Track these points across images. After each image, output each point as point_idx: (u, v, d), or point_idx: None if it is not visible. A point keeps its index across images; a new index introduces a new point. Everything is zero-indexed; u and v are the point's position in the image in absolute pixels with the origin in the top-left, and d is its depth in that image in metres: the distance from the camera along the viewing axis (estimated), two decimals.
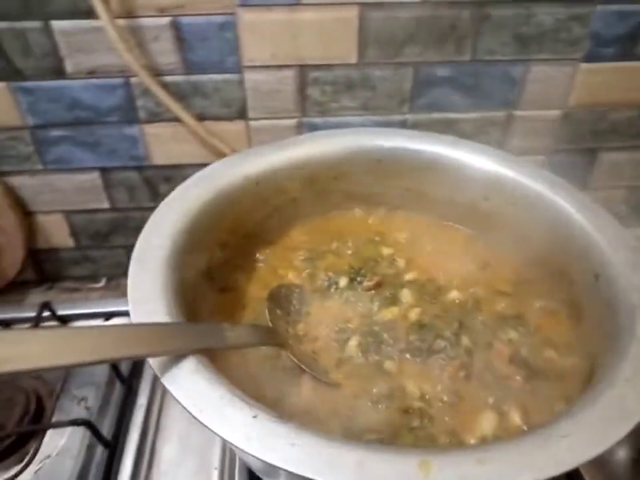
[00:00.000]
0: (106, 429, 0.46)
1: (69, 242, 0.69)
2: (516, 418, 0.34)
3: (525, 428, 0.33)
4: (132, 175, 0.65)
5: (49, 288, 0.72)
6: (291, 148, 0.47)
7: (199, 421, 0.26)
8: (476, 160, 0.46)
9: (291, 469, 0.24)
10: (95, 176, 0.64)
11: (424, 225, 0.49)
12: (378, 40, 0.57)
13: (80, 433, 0.44)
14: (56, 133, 0.60)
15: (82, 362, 0.25)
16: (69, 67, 0.56)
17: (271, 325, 0.38)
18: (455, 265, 0.45)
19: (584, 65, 0.59)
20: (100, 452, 0.45)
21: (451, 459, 0.25)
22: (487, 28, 0.57)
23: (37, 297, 0.70)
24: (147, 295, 0.32)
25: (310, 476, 0.24)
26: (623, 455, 0.62)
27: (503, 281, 0.43)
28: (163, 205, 0.39)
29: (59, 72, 0.56)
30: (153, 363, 0.28)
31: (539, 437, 0.26)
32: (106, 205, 0.67)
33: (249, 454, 0.25)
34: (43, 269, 0.72)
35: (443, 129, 0.63)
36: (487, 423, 0.34)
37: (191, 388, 0.27)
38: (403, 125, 0.63)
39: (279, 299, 0.41)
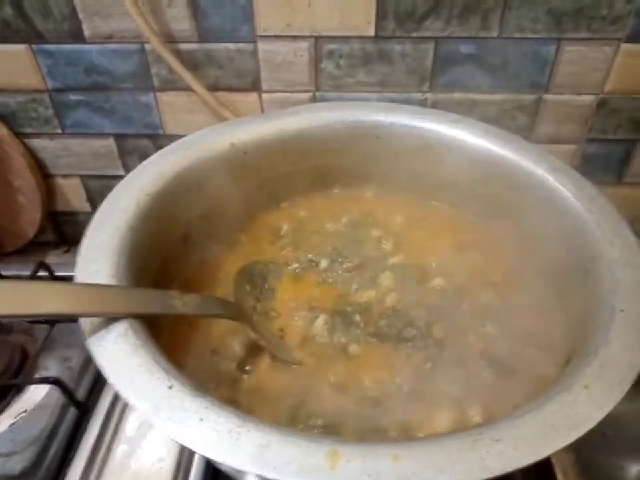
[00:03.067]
0: (82, 390, 0.47)
1: (86, 207, 0.71)
2: (477, 418, 0.31)
3: None
4: (146, 143, 0.65)
5: (66, 250, 0.74)
6: (285, 118, 0.45)
7: (113, 387, 0.25)
8: (478, 141, 0.42)
9: (190, 446, 0.23)
10: (110, 142, 0.65)
11: (420, 207, 0.46)
12: (397, 11, 0.54)
13: (57, 391, 0.45)
14: (74, 97, 0.61)
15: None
16: (87, 30, 0.57)
17: (234, 298, 0.37)
18: (444, 251, 0.42)
19: (625, 46, 0.54)
20: (72, 412, 0.45)
21: (364, 451, 0.22)
22: (516, 1, 0.52)
23: (55, 258, 0.72)
24: (97, 255, 0.32)
25: (208, 455, 0.22)
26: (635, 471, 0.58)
27: (492, 270, 0.40)
28: (138, 168, 0.39)
29: (77, 35, 0.57)
30: (82, 323, 0.28)
31: (467, 437, 0.23)
32: (121, 172, 0.68)
33: (156, 426, 0.24)
34: (62, 232, 0.74)
35: (464, 110, 0.59)
36: (443, 420, 0.31)
37: (113, 352, 0.27)
38: (423, 104, 0.59)
39: (252, 274, 0.40)
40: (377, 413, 0.32)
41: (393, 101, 0.59)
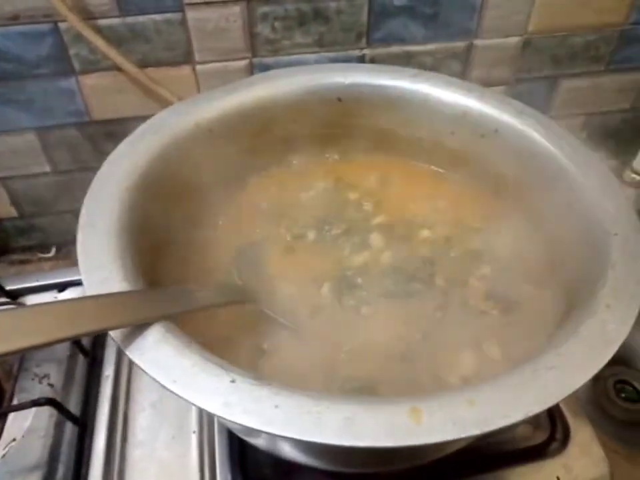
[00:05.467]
0: (73, 405, 0.44)
1: (12, 211, 0.65)
2: (496, 354, 0.34)
3: (506, 363, 0.33)
4: (72, 132, 0.59)
5: None
6: (243, 90, 0.43)
7: (172, 392, 0.24)
8: (440, 92, 0.44)
9: (276, 432, 0.23)
10: (31, 137, 0.59)
11: (390, 165, 0.46)
12: None
13: (46, 411, 0.42)
14: None
15: (36, 344, 0.22)
16: None
17: (241, 283, 0.36)
18: (423, 205, 0.43)
19: None
20: (70, 429, 0.43)
21: (440, 403, 0.24)
22: None
23: None
24: (99, 261, 0.29)
25: (297, 437, 0.23)
26: None
27: (473, 216, 0.42)
28: (108, 162, 0.36)
29: None
30: (114, 335, 0.26)
31: (525, 371, 0.25)
32: (47, 168, 0.62)
33: (231, 421, 0.23)
34: None
35: (402, 63, 0.60)
36: (466, 360, 0.33)
37: (159, 358, 0.25)
38: (361, 60, 0.60)
39: (247, 256, 0.39)
40: (405, 366, 0.34)
41: (331, 60, 0.59)
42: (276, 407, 0.23)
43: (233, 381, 0.24)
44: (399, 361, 0.34)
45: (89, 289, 0.28)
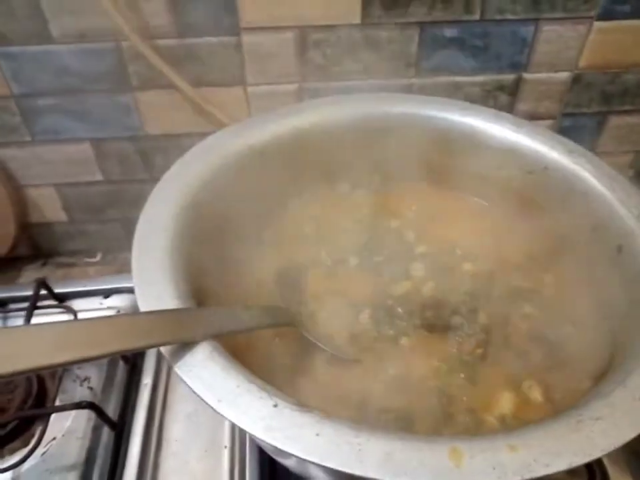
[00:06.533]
0: (111, 410, 0.45)
1: (62, 216, 0.67)
2: (537, 395, 0.33)
3: (547, 406, 0.33)
4: (125, 145, 0.62)
5: (43, 264, 0.70)
6: (295, 116, 0.44)
7: (216, 411, 0.25)
8: (490, 127, 0.44)
9: (316, 461, 0.23)
10: (86, 147, 0.62)
11: (433, 196, 0.47)
12: None
13: (85, 414, 0.43)
14: (43, 102, 0.57)
15: (89, 356, 0.23)
16: (54, 30, 0.53)
17: (283, 305, 0.37)
18: (466, 237, 0.43)
19: (597, 24, 0.57)
20: (107, 433, 0.44)
21: (481, 446, 0.24)
22: None
23: (31, 273, 0.69)
24: (153, 277, 0.30)
25: (336, 468, 0.23)
26: None
27: (517, 253, 0.42)
28: (163, 181, 0.37)
29: (44, 36, 0.53)
30: (164, 351, 0.27)
31: (569, 420, 0.25)
32: (99, 177, 0.64)
33: (271, 445, 0.24)
34: (37, 244, 0.70)
35: (449, 93, 0.61)
36: (506, 400, 0.33)
37: (206, 376, 0.26)
38: (409, 89, 0.60)
39: (288, 279, 0.39)
40: (442, 401, 0.33)
41: (380, 87, 0.60)
42: (317, 435, 0.24)
43: (275, 405, 0.25)
44: (435, 395, 0.34)
45: (142, 304, 0.29)
